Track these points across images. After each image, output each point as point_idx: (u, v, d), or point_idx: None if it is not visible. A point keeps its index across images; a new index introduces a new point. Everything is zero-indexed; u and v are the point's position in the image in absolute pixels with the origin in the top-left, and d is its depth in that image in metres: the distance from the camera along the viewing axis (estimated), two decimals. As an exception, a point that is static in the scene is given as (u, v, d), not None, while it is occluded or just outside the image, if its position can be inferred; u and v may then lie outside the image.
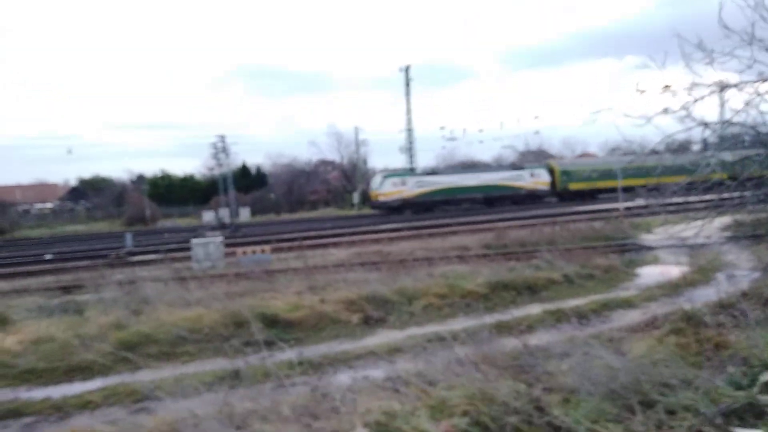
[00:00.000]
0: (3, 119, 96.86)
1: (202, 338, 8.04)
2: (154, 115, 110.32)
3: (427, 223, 28.19)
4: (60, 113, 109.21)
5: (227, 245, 18.07)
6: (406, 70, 47.56)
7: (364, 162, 63.64)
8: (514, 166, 46.15)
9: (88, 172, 66.33)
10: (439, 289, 10.31)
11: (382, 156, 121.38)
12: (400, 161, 51.32)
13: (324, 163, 68.11)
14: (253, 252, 18.42)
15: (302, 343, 8.36)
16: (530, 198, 42.83)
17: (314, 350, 7.86)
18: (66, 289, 12.51)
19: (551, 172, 45.19)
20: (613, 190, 47.29)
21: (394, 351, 7.52)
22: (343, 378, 6.72)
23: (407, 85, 47.67)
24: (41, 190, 70.45)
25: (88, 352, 7.61)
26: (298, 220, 40.06)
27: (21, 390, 6.74)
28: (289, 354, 7.77)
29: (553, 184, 44.32)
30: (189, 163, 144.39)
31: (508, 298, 10.23)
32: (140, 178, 64.87)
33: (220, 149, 40.23)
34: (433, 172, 44.73)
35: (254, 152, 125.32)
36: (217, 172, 45.89)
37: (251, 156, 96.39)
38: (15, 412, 6.08)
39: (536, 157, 59.84)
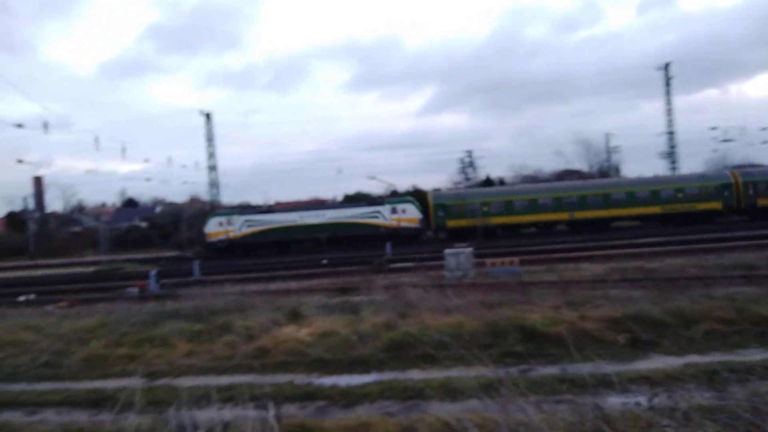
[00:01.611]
0: (286, 146, 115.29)
1: (463, 344, 8.29)
2: (402, 136, 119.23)
3: (698, 237, 24.87)
4: (330, 138, 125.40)
5: (476, 256, 18.45)
6: (666, 67, 42.90)
7: (617, 170, 59.29)
8: (372, 201, 38.37)
9: (352, 188, 74.92)
10: (723, 313, 8.95)
11: (638, 163, 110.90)
12: (659, 167, 46.26)
13: (569, 172, 65.30)
14: (502, 263, 18.52)
15: (561, 360, 8.04)
16: (394, 238, 34.38)
17: (576, 369, 7.48)
18: (342, 290, 14.17)
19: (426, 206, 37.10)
20: (515, 227, 38.12)
21: (672, 379, 6.74)
22: (614, 401, 6.25)
23: (667, 84, 43.02)
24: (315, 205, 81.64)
25: (365, 348, 8.49)
26: (543, 233, 38.84)
27: (313, 376, 7.79)
28: (550, 369, 7.55)
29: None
30: (435, 178, 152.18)
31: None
32: (394, 192, 70.65)
33: (467, 163, 41.43)
34: (268, 209, 40.09)
35: (495, 165, 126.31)
36: (462, 186, 47.39)
37: (493, 169, 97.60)
38: (310, 395, 7.05)
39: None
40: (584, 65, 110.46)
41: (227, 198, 55.00)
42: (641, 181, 39.38)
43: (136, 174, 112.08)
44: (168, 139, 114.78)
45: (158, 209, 56.55)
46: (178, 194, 79.62)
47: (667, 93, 43.24)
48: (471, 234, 34.72)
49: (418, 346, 8.34)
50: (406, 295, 11.09)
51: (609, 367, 7.60)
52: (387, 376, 7.49)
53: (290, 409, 6.43)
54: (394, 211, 36.43)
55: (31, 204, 69.00)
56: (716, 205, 36.35)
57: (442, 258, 18.14)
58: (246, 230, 37.08)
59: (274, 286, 15.62)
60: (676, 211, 36.26)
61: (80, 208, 76.13)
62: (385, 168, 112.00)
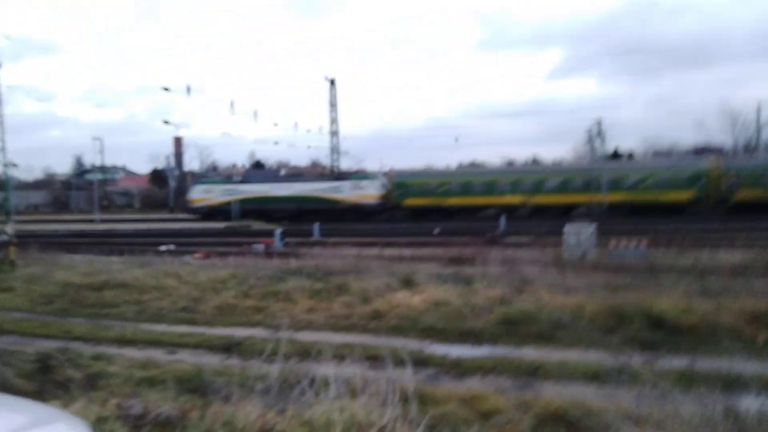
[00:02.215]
0: (400, 114, 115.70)
1: (582, 327, 7.97)
2: (524, 104, 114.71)
3: None
4: (444, 105, 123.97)
5: (601, 234, 17.50)
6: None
7: (766, 147, 52.93)
8: (336, 176, 38.71)
9: (468, 157, 73.83)
10: None
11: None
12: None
13: (706, 149, 59.38)
14: (627, 245, 17.42)
15: (690, 353, 7.45)
16: (353, 213, 36.37)
17: (707, 364, 6.90)
18: (454, 261, 14.15)
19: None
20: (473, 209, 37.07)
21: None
22: (750, 403, 5.71)
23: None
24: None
25: (478, 321, 8.44)
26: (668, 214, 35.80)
27: (425, 343, 7.90)
28: (677, 362, 7.04)
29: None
30: (558, 148, 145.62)
31: None
32: (510, 163, 68.78)
33: (596, 134, 38.99)
34: (243, 180, 43.24)
35: (625, 136, 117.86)
36: (587, 158, 44.81)
37: (623, 140, 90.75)
38: (422, 362, 7.15)
39: None
40: (736, 25, 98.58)
41: (346, 163, 56.68)
42: (604, 168, 37.25)
43: (267, 138, 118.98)
44: (298, 103, 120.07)
45: (282, 172, 59.64)
46: (302, 158, 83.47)
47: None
48: (430, 213, 36.85)
49: (533, 324, 8.14)
50: (522, 270, 10.82)
51: (745, 366, 6.96)
52: (500, 351, 7.41)
53: (403, 373, 6.58)
54: (355, 187, 38.25)
55: (172, 162, 75.81)
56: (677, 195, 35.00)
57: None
58: (222, 198, 40.77)
59: (388, 251, 15.94)
60: (637, 200, 35.06)
61: (214, 168, 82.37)
62: (505, 137, 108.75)
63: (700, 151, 57.20)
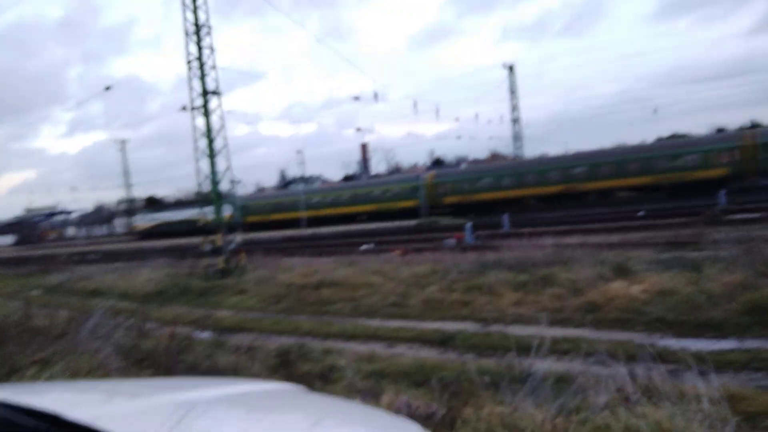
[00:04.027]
0: (587, 90, 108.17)
1: None
2: (728, 63, 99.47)
3: None
4: (638, 76, 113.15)
5: None
6: None
7: None
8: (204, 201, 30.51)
9: (669, 129, 66.07)
10: None
11: None
12: None
13: None
14: None
15: None
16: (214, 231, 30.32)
17: None
18: (671, 245, 12.73)
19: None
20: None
21: None
22: None
23: None
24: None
25: (716, 310, 7.43)
26: None
27: (655, 337, 7.15)
28: None
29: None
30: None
31: None
32: (719, 131, 60.20)
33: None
34: (159, 209, 62.11)
35: None
36: None
37: None
38: (659, 356, 6.46)
39: None
40: None
41: (529, 150, 54.72)
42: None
43: (448, 134, 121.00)
44: (475, 96, 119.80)
45: (463, 166, 59.82)
46: (483, 150, 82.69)
47: None
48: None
49: (790, 313, 6.90)
50: (765, 251, 9.27)
51: None
52: (751, 344, 6.41)
53: (637, 369, 6.02)
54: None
55: (362, 167, 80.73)
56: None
57: None
58: (149, 224, 57.83)
59: (592, 239, 14.93)
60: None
61: (397, 169, 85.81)
62: (709, 102, 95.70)
63: None
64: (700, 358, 6.19)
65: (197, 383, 2.05)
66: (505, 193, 38.14)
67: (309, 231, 40.03)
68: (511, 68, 47.60)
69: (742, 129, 42.95)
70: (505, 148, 56.91)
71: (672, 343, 6.83)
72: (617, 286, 8.95)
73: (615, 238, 15.44)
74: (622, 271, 9.84)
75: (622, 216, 23.54)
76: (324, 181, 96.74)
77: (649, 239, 14.44)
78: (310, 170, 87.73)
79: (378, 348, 8.10)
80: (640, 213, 23.69)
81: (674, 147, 35.45)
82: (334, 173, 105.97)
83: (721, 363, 5.95)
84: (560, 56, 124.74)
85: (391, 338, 8.59)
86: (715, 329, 7.02)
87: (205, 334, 9.45)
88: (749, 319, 7.01)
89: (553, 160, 41.04)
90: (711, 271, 8.82)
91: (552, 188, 36.55)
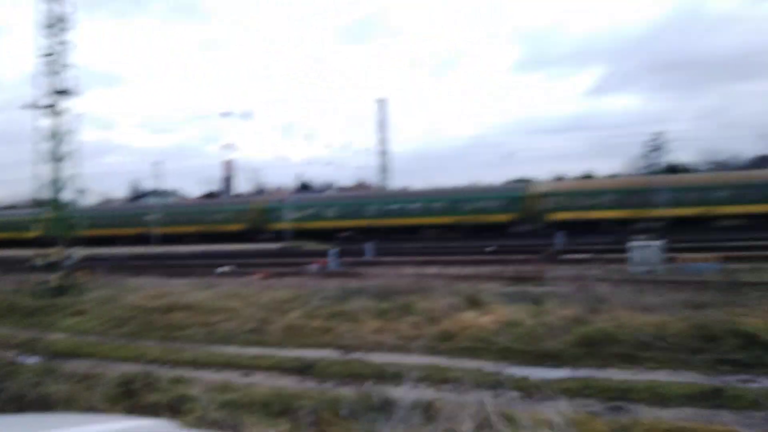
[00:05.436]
0: (448, 131, 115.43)
1: (667, 347, 7.58)
2: (569, 119, 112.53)
3: None
4: (492, 122, 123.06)
5: (667, 250, 16.81)
6: None
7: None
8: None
9: (516, 174, 72.56)
10: None
11: None
12: None
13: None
14: (694, 260, 16.67)
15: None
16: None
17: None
18: (516, 280, 13.82)
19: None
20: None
21: None
22: None
23: None
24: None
25: (554, 341, 8.14)
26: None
27: (502, 365, 7.65)
28: (779, 383, 6.58)
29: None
30: (609, 163, 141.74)
31: None
32: (559, 178, 67.24)
33: (653, 147, 37.79)
34: None
35: (678, 150, 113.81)
36: (643, 171, 43.42)
37: (675, 154, 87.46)
38: (501, 384, 6.89)
39: None
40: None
41: (395, 182, 56.71)
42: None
43: (317, 159, 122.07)
44: (348, 125, 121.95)
45: (328, 193, 60.41)
46: (351, 178, 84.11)
47: None
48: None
49: (614, 344, 7.78)
50: (594, 289, 10.43)
51: None
52: (583, 372, 7.10)
53: (484, 397, 6.37)
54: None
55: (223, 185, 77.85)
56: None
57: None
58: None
59: (449, 270, 15.72)
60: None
61: (261, 191, 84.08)
62: (552, 152, 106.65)
63: (759, 162, 54.61)
64: (540, 386, 6.76)
65: (44, 421, 1.78)
66: (328, 224, 41.35)
67: (160, 249, 37.54)
68: (381, 102, 49.29)
69: (522, 180, 49.57)
70: (374, 178, 58.42)
71: (517, 371, 7.35)
72: (469, 316, 9.48)
73: (468, 270, 16.42)
74: (473, 303, 10.45)
75: (475, 251, 25.14)
76: (183, 197, 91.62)
77: (497, 273, 15.54)
78: (168, 184, 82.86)
79: (233, 377, 7.73)
80: (490, 248, 25.50)
81: (474, 192, 41.54)
82: (194, 189, 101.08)
83: (557, 390, 6.52)
84: (429, 95, 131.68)
85: (248, 366, 8.25)
86: (553, 359, 7.69)
87: (33, 360, 8.35)
88: (581, 350, 7.78)
89: (368, 195, 45.51)
90: (550, 305, 9.70)
91: (366, 221, 40.12)
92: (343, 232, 40.74)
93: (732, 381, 6.62)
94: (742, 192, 33.59)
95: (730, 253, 17.43)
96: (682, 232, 29.85)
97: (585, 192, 37.52)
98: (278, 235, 41.21)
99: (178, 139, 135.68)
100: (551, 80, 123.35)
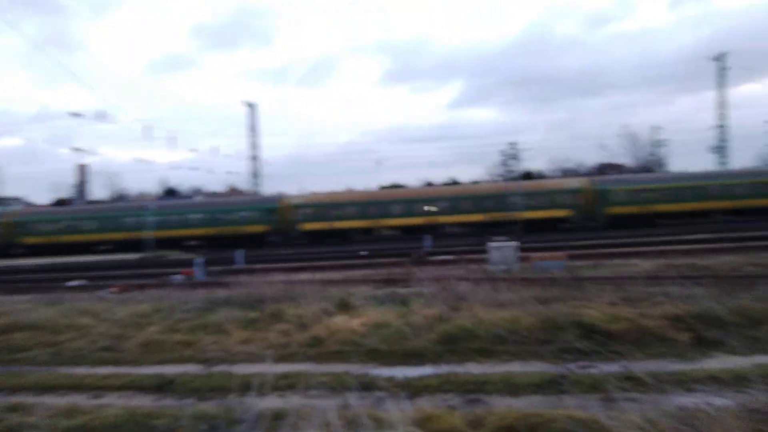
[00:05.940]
0: (321, 138, 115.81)
1: (520, 339, 8.18)
2: (434, 129, 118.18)
3: (757, 234, 24.05)
4: (363, 131, 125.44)
5: (521, 250, 18.18)
6: (719, 58, 41.40)
7: (659, 164, 57.98)
8: None
9: (389, 180, 74.81)
10: (792, 313, 8.57)
11: (685, 157, 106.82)
12: (707, 162, 44.83)
13: (610, 166, 64.20)
14: (542, 258, 18.20)
15: (623, 357, 7.82)
16: None
17: (640, 366, 7.26)
18: (386, 282, 14.14)
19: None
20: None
21: (741, 379, 6.48)
22: (684, 401, 6.05)
23: (721, 76, 41.47)
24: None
25: (419, 340, 8.44)
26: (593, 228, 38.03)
27: (369, 366, 7.77)
28: (613, 367, 7.35)
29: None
30: (472, 170, 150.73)
31: None
32: (429, 184, 70.31)
33: (510, 156, 40.93)
34: None
35: (532, 158, 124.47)
36: (502, 179, 46.83)
37: (530, 162, 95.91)
38: (368, 386, 7.02)
39: None
40: (617, 60, 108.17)
41: (268, 188, 55.61)
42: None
43: (183, 164, 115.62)
44: (214, 129, 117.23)
45: (197, 199, 57.71)
46: (221, 184, 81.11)
47: (721, 85, 41.69)
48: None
49: (473, 340, 8.25)
50: (456, 288, 10.97)
51: (674, 366, 7.40)
52: (444, 369, 7.42)
53: (350, 399, 6.42)
54: None
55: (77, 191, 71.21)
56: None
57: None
58: None
59: (320, 275, 15.68)
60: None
61: (121, 197, 78.20)
62: (420, 159, 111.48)
63: (602, 169, 61.43)
64: (404, 384, 6.96)
65: None
66: (84, 237, 40.93)
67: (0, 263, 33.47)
68: (251, 106, 48.14)
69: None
70: (244, 184, 56.77)
71: (383, 372, 7.50)
72: (340, 321, 9.52)
73: (340, 275, 16.52)
74: (344, 306, 10.53)
75: (348, 255, 25.38)
76: (28, 205, 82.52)
77: (368, 276, 15.81)
78: (11, 190, 74.06)
79: (81, 399, 7.07)
80: (363, 252, 25.90)
81: (231, 204, 43.45)
82: (42, 196, 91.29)
83: (419, 387, 6.77)
84: (299, 102, 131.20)
85: (98, 387, 7.58)
86: (418, 357, 7.96)
87: None
88: (443, 347, 8.14)
89: (127, 208, 45.52)
90: (416, 305, 10.04)
91: (123, 234, 40.38)
92: (102, 245, 40.68)
93: (574, 368, 7.29)
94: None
95: (573, 252, 19.23)
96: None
97: (331, 204, 41.18)
98: (32, 250, 39.85)
99: (23, 141, 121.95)
100: (416, 92, 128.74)
